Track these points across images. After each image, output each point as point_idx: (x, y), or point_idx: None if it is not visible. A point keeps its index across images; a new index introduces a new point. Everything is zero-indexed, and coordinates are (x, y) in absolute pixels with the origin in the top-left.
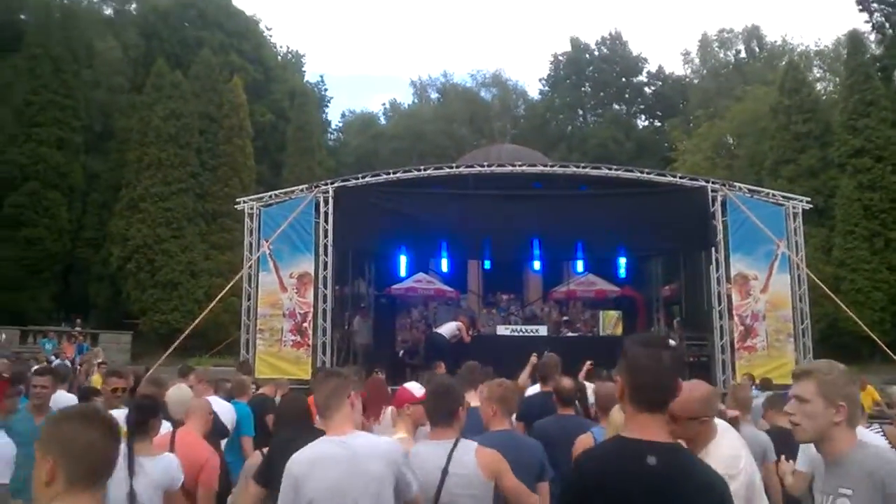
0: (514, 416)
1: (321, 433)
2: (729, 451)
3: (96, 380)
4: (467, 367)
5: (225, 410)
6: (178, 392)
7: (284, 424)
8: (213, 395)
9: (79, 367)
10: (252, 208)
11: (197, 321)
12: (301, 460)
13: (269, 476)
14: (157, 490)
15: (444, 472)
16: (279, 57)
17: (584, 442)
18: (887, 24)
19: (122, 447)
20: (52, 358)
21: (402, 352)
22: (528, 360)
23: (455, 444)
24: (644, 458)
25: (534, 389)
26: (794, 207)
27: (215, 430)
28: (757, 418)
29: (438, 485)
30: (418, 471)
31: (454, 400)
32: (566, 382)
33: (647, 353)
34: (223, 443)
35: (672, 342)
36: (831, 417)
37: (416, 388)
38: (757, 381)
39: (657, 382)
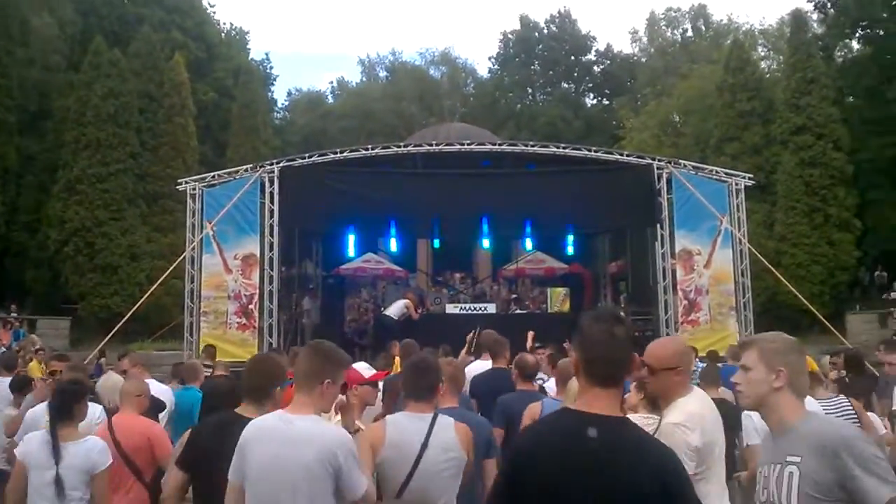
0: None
1: (241, 418)
2: (694, 409)
3: (34, 367)
4: (405, 345)
5: (161, 392)
6: (109, 380)
7: (208, 409)
8: (148, 378)
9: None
10: (195, 189)
11: (138, 305)
12: (250, 429)
13: (190, 461)
14: (80, 474)
15: (424, 445)
16: (223, 34)
17: (532, 410)
18: (829, 4)
19: (46, 434)
20: None
21: (350, 332)
22: (475, 329)
23: (434, 418)
24: (584, 430)
25: (481, 366)
26: (736, 184)
27: (151, 406)
28: None
29: (416, 457)
30: (397, 442)
31: (435, 376)
32: (528, 358)
33: (599, 327)
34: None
35: (622, 317)
36: (771, 383)
37: (364, 368)
38: (702, 354)
39: (609, 356)
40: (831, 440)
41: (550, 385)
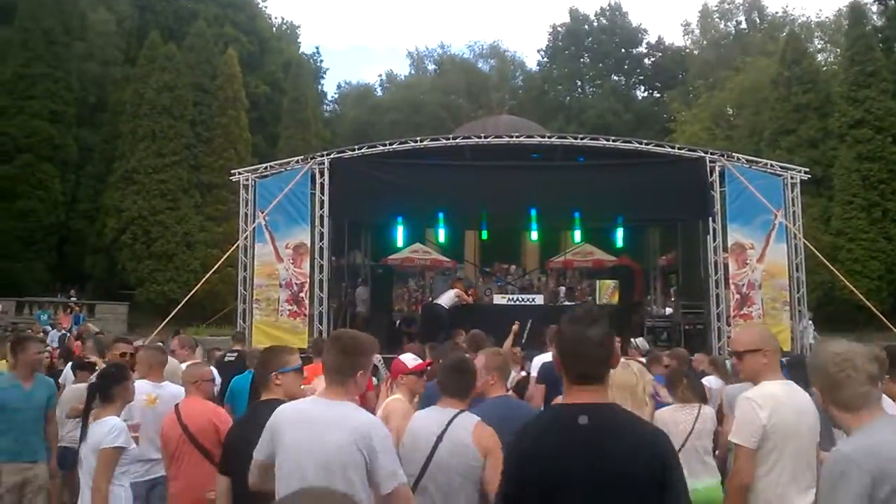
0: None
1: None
2: (772, 391)
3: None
4: (472, 335)
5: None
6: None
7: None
8: (195, 359)
9: (73, 338)
10: (247, 179)
11: (193, 291)
12: (284, 412)
13: (227, 465)
14: (94, 452)
15: (439, 438)
16: (274, 28)
17: None
18: None
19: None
20: (48, 328)
21: (398, 321)
22: (521, 328)
23: (456, 414)
24: (576, 419)
25: (550, 356)
26: (792, 178)
27: None
28: None
29: (430, 451)
30: (415, 433)
31: (471, 378)
32: None
33: (572, 329)
34: None
35: (600, 318)
36: None
37: (409, 359)
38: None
39: (584, 355)
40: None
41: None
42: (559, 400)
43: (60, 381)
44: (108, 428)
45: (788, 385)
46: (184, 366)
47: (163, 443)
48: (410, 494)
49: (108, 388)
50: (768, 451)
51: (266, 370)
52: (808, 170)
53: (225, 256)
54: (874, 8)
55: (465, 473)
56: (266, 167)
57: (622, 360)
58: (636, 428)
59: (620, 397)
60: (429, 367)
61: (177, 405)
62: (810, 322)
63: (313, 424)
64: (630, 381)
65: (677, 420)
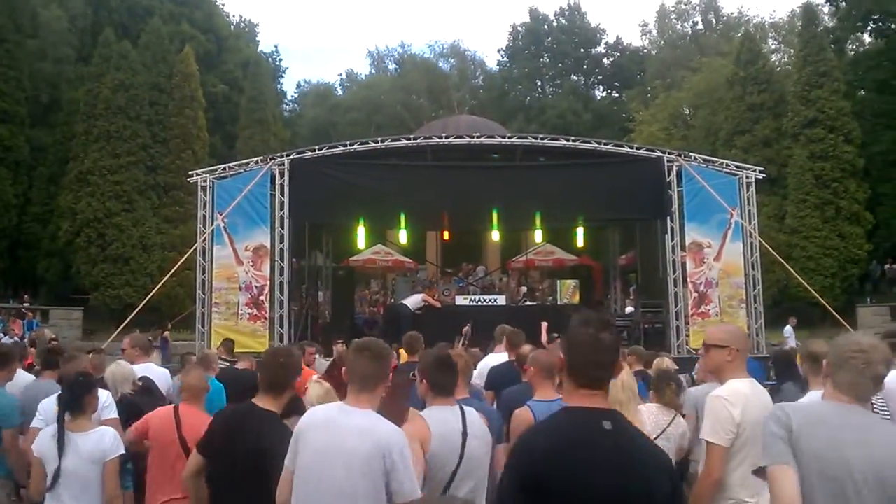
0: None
1: (255, 409)
2: (740, 388)
3: None
4: (409, 337)
5: (159, 376)
6: (118, 368)
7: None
8: (147, 360)
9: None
10: (205, 181)
11: (150, 295)
12: (308, 418)
13: (206, 446)
14: (89, 464)
15: (464, 434)
16: (231, 26)
17: (521, 417)
18: None
19: (54, 428)
20: (0, 336)
21: (360, 323)
22: (488, 329)
23: (462, 409)
24: (600, 423)
25: (496, 359)
26: (747, 177)
27: (155, 396)
28: None
29: (461, 448)
30: (443, 434)
31: (456, 371)
32: (525, 350)
33: (587, 332)
34: None
35: (609, 322)
36: None
37: None
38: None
39: (595, 360)
40: None
41: (502, 358)
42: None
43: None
44: (109, 438)
45: (753, 383)
46: (143, 366)
47: (154, 444)
48: None
49: (81, 398)
50: (739, 448)
51: (291, 374)
52: (762, 169)
53: (183, 259)
54: (826, 9)
55: (488, 459)
56: (224, 168)
57: None
58: (648, 439)
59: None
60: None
61: (176, 408)
62: (792, 330)
63: (340, 429)
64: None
65: (659, 421)
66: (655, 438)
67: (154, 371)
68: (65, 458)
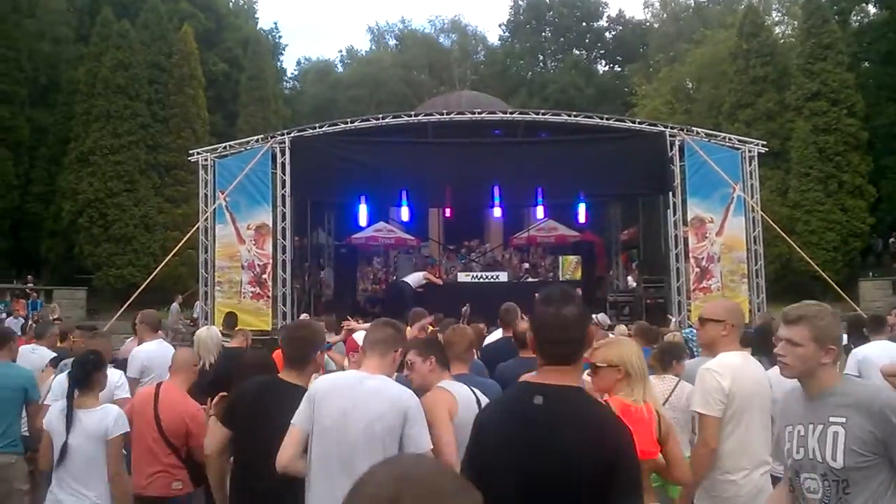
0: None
1: (283, 383)
2: (731, 360)
3: None
4: (415, 313)
5: (169, 353)
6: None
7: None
8: (156, 337)
9: (31, 325)
10: (206, 160)
11: (153, 274)
12: (324, 383)
13: (232, 418)
14: (92, 440)
15: (478, 403)
16: (230, 4)
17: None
18: None
19: (63, 403)
20: (4, 316)
21: (363, 301)
22: (490, 306)
23: (468, 380)
24: (531, 398)
25: (498, 335)
26: (749, 151)
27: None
28: None
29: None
30: (466, 404)
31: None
32: (522, 326)
33: (549, 310)
34: None
35: (573, 296)
36: (820, 359)
37: (362, 337)
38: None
39: (559, 337)
40: (875, 401)
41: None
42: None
43: None
44: (113, 415)
45: (745, 356)
46: (146, 345)
47: (134, 422)
48: (452, 445)
49: (90, 376)
50: (728, 419)
51: (313, 348)
52: (765, 143)
53: (185, 239)
54: None
55: None
56: (225, 147)
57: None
58: (586, 417)
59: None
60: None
61: (159, 386)
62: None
63: (355, 392)
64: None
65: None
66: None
67: (164, 348)
68: (71, 435)
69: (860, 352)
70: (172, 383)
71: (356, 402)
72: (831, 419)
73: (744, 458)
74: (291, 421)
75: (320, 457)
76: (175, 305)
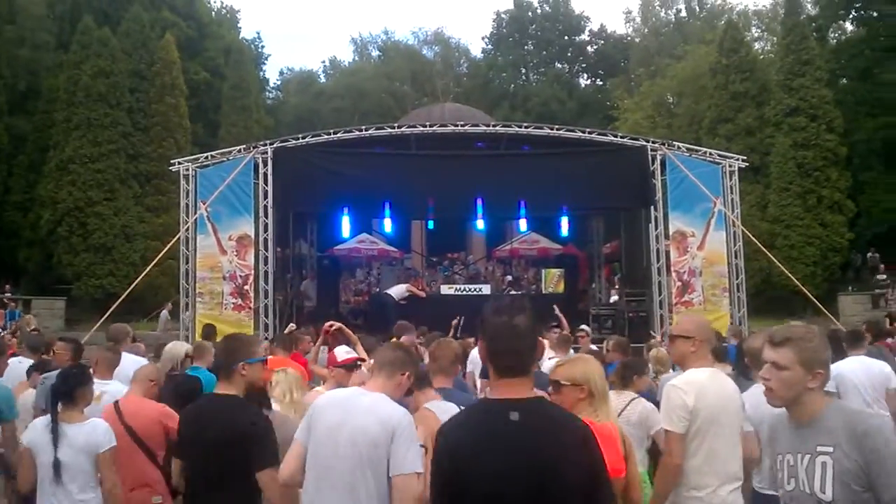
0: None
1: (213, 396)
2: (697, 377)
3: None
4: (399, 326)
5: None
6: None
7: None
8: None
9: (9, 335)
10: (188, 169)
11: (133, 285)
12: (322, 399)
13: (180, 447)
14: (82, 455)
15: None
16: (213, 13)
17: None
18: None
19: (47, 419)
20: None
21: (346, 312)
22: (473, 318)
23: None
24: (507, 415)
25: None
26: (730, 166)
27: None
28: None
29: None
30: None
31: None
32: None
33: (500, 320)
34: None
35: (524, 306)
36: (806, 384)
37: (342, 352)
38: None
39: (512, 348)
40: (859, 427)
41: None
42: (487, 393)
43: None
44: (102, 429)
45: (714, 373)
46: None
47: None
48: (413, 485)
49: (73, 390)
50: (692, 435)
51: (233, 359)
52: (745, 158)
53: (166, 249)
54: None
55: None
56: (207, 156)
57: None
58: (572, 432)
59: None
60: (358, 362)
61: (116, 403)
62: None
63: (348, 407)
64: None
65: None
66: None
67: (131, 360)
68: (60, 450)
69: (835, 368)
70: (131, 394)
71: (347, 416)
72: (819, 448)
73: (710, 475)
74: (294, 436)
75: (312, 469)
76: (165, 313)
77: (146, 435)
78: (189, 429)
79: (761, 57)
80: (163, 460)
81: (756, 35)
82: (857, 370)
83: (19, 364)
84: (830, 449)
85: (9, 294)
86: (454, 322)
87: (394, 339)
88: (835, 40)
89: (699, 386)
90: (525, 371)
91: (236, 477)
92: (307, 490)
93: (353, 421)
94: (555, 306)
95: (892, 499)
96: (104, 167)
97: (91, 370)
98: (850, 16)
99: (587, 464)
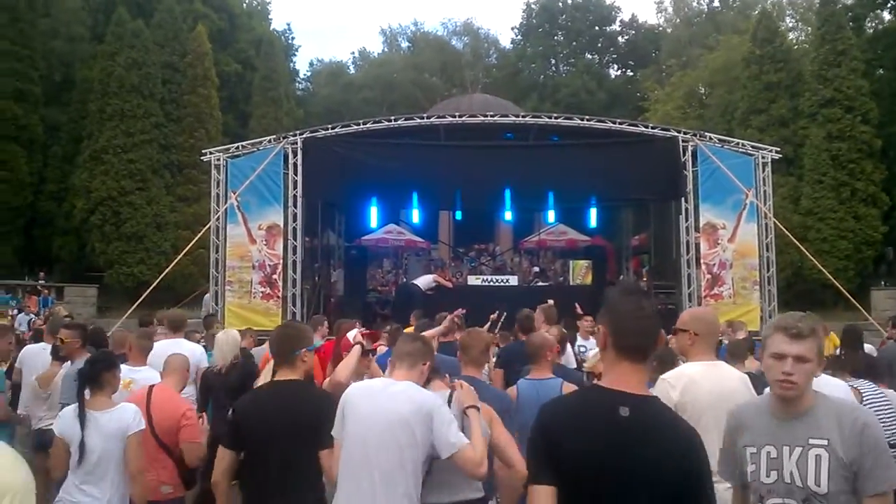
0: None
1: (277, 383)
2: (688, 371)
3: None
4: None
5: (190, 352)
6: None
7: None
8: (176, 336)
9: (40, 321)
10: (219, 160)
11: (164, 273)
12: (353, 389)
13: (237, 439)
14: (111, 440)
15: None
16: (244, 4)
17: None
18: None
19: (75, 406)
20: (16, 312)
21: (373, 302)
22: (497, 310)
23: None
24: (617, 409)
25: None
26: (763, 157)
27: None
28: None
29: None
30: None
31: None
32: (536, 339)
33: (629, 300)
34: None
35: (648, 292)
36: (815, 374)
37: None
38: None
39: (640, 329)
40: (858, 421)
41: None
42: (598, 381)
43: (17, 365)
44: (131, 412)
45: (710, 367)
46: (172, 342)
47: None
48: (470, 455)
49: (99, 375)
50: None
51: (296, 345)
52: (778, 149)
53: (196, 238)
54: None
55: None
56: (237, 147)
57: None
58: (674, 426)
59: None
60: (374, 350)
61: (151, 388)
62: None
63: (381, 397)
64: None
65: None
66: None
67: (184, 347)
68: (87, 435)
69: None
70: (165, 384)
71: (380, 404)
72: (811, 441)
73: None
74: (331, 433)
75: (347, 458)
76: (208, 297)
77: (161, 429)
78: (254, 417)
79: (795, 47)
80: (179, 454)
81: (790, 25)
82: None
83: (43, 350)
84: (825, 442)
85: (42, 281)
86: (492, 316)
87: (410, 329)
88: (871, 30)
89: (688, 380)
90: (647, 356)
91: (306, 459)
92: (342, 478)
93: (388, 408)
94: (576, 304)
95: (880, 490)
96: (137, 157)
97: (122, 355)
98: (888, 4)
99: (688, 470)
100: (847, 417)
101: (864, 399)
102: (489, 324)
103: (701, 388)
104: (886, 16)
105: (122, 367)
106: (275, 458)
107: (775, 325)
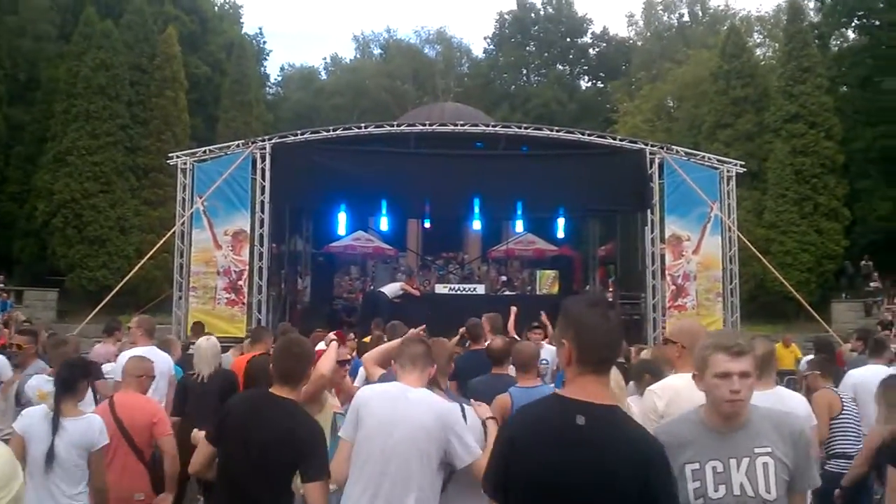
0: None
1: (275, 398)
2: (674, 383)
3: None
4: (392, 325)
5: (161, 360)
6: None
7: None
8: (150, 343)
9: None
10: (185, 163)
11: (127, 277)
12: (367, 392)
13: (221, 436)
14: (76, 449)
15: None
16: (216, 8)
17: (500, 402)
18: None
19: (47, 408)
20: None
21: (339, 309)
22: (466, 318)
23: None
24: (573, 417)
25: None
26: (728, 171)
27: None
28: None
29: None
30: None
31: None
32: (497, 342)
33: (593, 312)
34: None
35: (611, 302)
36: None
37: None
38: None
39: (606, 343)
40: (795, 426)
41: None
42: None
43: None
44: (98, 426)
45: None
46: (146, 349)
47: None
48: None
49: (76, 381)
50: None
51: (306, 368)
52: (743, 163)
53: (161, 242)
54: (811, 4)
55: None
56: (205, 151)
57: None
58: (631, 437)
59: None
60: (348, 361)
61: (111, 397)
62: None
63: (400, 403)
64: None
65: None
66: None
67: (156, 354)
68: (57, 441)
69: (858, 375)
70: (125, 391)
71: (401, 411)
72: (756, 450)
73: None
74: (340, 435)
75: (361, 461)
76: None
77: (136, 432)
78: (239, 420)
79: (762, 63)
80: (149, 457)
81: (758, 41)
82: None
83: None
84: (769, 449)
85: (1, 284)
86: (462, 330)
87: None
88: (836, 48)
89: (674, 392)
90: (609, 367)
91: (276, 479)
92: (352, 481)
93: (408, 414)
94: (542, 313)
95: (803, 489)
96: (102, 159)
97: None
98: (853, 24)
99: (646, 480)
100: (783, 424)
101: None
102: (458, 337)
103: (685, 399)
104: (851, 34)
105: (136, 349)
106: (246, 467)
107: (714, 345)
